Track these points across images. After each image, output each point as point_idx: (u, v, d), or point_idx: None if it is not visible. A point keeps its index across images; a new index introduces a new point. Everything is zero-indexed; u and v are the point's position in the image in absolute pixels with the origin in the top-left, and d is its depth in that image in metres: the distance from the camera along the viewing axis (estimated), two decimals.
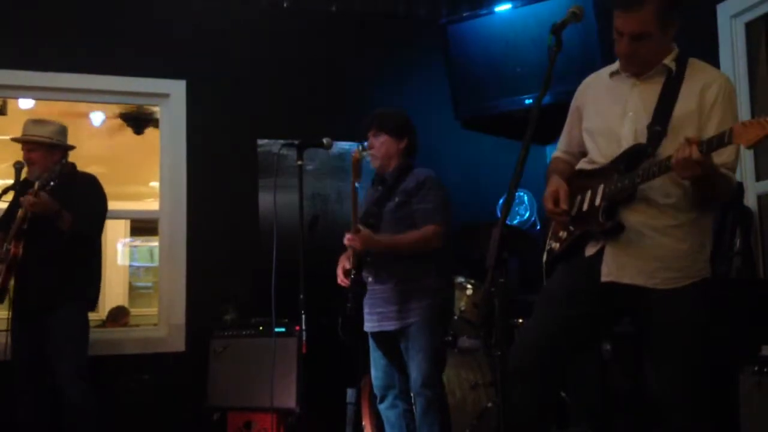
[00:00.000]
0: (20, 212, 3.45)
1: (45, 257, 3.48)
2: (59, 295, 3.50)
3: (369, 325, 3.24)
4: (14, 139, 3.71)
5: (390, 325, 3.15)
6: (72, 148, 3.78)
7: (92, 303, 3.74)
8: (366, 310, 3.23)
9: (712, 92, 2.21)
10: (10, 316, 3.56)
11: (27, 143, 3.64)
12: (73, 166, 3.70)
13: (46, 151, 3.64)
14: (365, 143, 3.19)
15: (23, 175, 3.71)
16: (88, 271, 3.66)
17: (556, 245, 2.46)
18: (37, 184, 3.36)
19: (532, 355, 2.31)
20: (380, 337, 3.25)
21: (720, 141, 1.94)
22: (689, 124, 2.18)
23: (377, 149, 3.25)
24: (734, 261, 3.14)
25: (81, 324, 3.62)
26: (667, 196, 2.21)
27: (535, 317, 2.42)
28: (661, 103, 2.24)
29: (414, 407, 3.21)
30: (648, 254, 2.21)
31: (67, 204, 3.43)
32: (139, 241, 8.95)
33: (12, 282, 3.50)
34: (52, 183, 3.37)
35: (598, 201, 2.28)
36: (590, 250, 2.32)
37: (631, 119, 2.28)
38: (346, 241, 3.08)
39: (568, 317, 2.31)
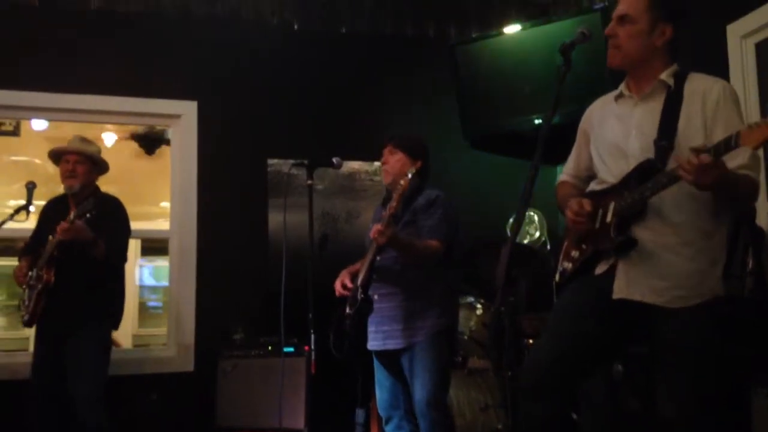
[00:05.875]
0: (52, 238, 3.45)
1: (74, 283, 3.49)
2: (83, 319, 3.50)
3: (374, 344, 3.23)
4: (66, 151, 3.65)
5: (394, 344, 3.15)
6: (107, 170, 3.80)
7: (116, 323, 3.73)
8: (371, 328, 3.23)
9: (713, 98, 2.21)
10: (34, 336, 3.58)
11: (76, 154, 3.64)
12: (96, 188, 3.73)
13: (91, 166, 3.67)
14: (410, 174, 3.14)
15: (40, 194, 3.71)
16: (110, 293, 3.66)
17: (568, 266, 2.45)
18: (73, 213, 3.31)
19: (543, 374, 2.29)
20: (384, 356, 3.24)
21: (727, 145, 1.93)
22: (695, 135, 2.17)
23: (391, 165, 3.27)
24: (747, 281, 3.11)
25: (102, 347, 3.61)
26: (679, 212, 2.19)
27: (545, 335, 2.41)
28: (664, 119, 2.24)
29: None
30: (658, 272, 2.20)
31: (95, 228, 3.39)
32: (149, 261, 9.00)
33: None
34: (88, 215, 3.30)
35: (609, 218, 2.27)
36: (601, 268, 2.31)
37: (636, 137, 2.29)
38: (372, 232, 3.01)
39: (579, 335, 2.29)
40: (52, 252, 3.45)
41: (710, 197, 2.17)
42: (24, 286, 3.59)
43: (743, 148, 2.00)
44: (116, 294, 3.70)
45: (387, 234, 2.96)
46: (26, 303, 3.54)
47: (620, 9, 2.30)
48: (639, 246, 2.21)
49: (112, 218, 3.61)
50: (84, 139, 3.75)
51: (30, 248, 3.68)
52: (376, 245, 3.05)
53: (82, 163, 3.64)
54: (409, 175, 3.03)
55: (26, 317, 3.54)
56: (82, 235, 3.35)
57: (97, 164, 3.72)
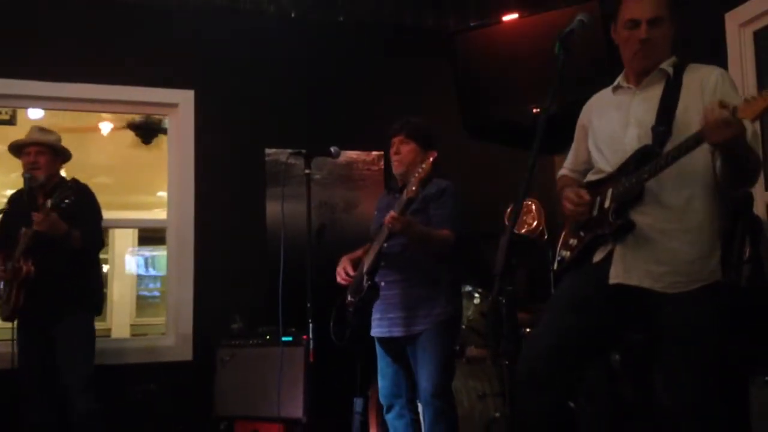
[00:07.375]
0: (26, 230, 3.43)
1: (51, 270, 3.48)
2: (65, 306, 3.51)
3: (378, 331, 3.24)
4: (26, 143, 3.64)
5: (399, 332, 3.15)
6: (70, 158, 3.79)
7: (97, 309, 3.75)
8: (376, 315, 3.23)
9: (711, 84, 2.25)
10: (15, 326, 3.56)
11: (36, 145, 3.62)
12: (62, 177, 3.71)
13: (52, 156, 3.65)
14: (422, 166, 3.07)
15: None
16: (90, 279, 3.67)
17: (566, 254, 2.46)
18: (49, 202, 3.31)
19: (540, 365, 2.29)
20: (388, 343, 3.24)
21: None
22: (694, 121, 2.17)
23: (404, 155, 3.24)
24: (744, 270, 3.12)
25: (88, 333, 3.63)
26: (677, 197, 2.21)
27: (543, 325, 2.42)
28: (663, 106, 2.27)
29: (422, 417, 3.20)
30: (655, 257, 2.21)
31: (70, 217, 3.40)
32: (146, 251, 8.99)
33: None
34: (67, 200, 3.31)
35: (607, 204, 2.29)
36: (599, 256, 2.32)
37: (634, 125, 2.31)
38: (387, 219, 2.97)
39: (576, 327, 2.30)
40: (28, 243, 3.44)
41: (709, 182, 2.19)
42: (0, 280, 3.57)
43: (749, 126, 2.01)
44: (94, 281, 3.72)
45: (402, 221, 2.94)
46: (3, 297, 3.52)
47: (649, 13, 2.28)
48: (636, 231, 2.22)
49: (85, 206, 3.60)
50: (42, 129, 3.74)
51: (1, 240, 3.65)
52: (389, 232, 3.03)
53: (43, 154, 3.62)
54: (431, 159, 2.94)
55: (7, 312, 3.52)
56: (57, 228, 3.35)
57: (58, 153, 3.70)
